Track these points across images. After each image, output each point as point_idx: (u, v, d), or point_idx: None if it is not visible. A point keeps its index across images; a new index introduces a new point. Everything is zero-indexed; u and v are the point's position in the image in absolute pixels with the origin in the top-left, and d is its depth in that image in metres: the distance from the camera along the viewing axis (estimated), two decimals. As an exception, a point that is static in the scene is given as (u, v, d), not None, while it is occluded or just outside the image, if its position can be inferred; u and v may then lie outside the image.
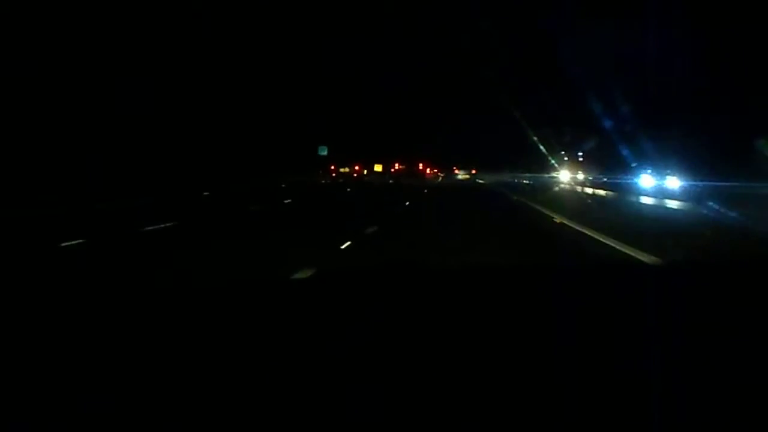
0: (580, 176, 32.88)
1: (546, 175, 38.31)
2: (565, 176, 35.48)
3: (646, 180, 21.43)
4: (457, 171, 65.47)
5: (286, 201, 17.36)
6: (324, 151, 42.42)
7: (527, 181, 37.88)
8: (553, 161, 38.18)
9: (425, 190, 28.46)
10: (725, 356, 1.58)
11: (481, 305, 2.51)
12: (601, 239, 8.44)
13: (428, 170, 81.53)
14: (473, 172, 66.38)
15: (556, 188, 29.36)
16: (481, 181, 49.64)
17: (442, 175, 67.63)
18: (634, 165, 22.96)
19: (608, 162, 30.03)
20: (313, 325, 1.92)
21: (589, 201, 19.30)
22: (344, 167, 42.93)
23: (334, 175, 40.22)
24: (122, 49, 21.25)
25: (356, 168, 44.17)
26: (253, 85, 35.26)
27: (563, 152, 37.47)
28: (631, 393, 1.32)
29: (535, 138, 36.61)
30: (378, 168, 49.44)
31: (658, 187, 19.31)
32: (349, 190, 28.78)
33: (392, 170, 51.12)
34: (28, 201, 12.29)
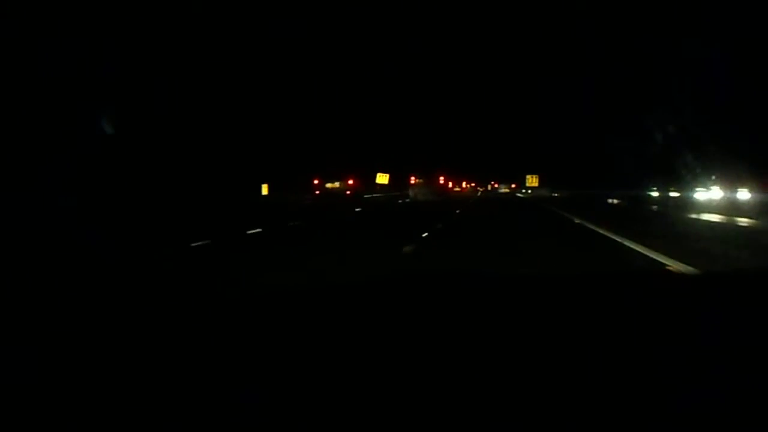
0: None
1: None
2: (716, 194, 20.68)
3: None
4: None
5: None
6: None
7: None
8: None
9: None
10: None
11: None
12: None
13: (451, 184, 72.05)
14: (513, 186, 64.28)
15: None
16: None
17: (480, 189, 63.33)
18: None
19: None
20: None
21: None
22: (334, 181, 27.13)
23: (317, 192, 24.96)
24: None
25: (351, 182, 27.33)
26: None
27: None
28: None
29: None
30: (383, 179, 33.60)
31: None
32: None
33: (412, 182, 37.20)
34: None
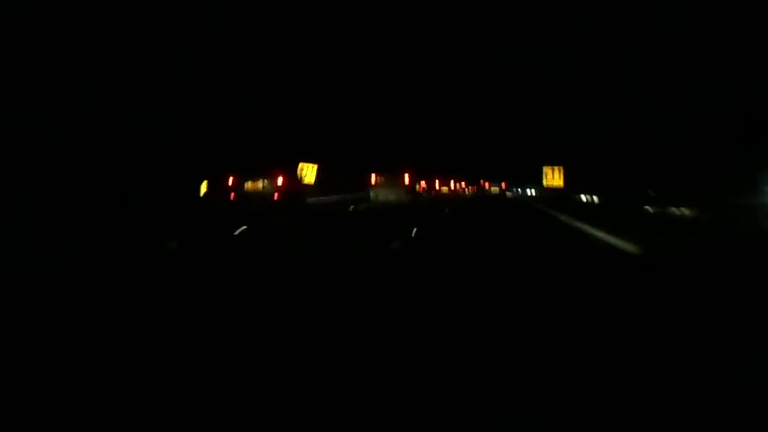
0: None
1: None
2: None
3: None
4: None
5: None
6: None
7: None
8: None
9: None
10: None
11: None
12: None
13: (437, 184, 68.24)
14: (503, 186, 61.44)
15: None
16: None
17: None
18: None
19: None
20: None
21: None
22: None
23: (232, 197, 18.24)
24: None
25: (280, 181, 18.93)
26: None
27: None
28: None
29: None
30: (308, 174, 24.49)
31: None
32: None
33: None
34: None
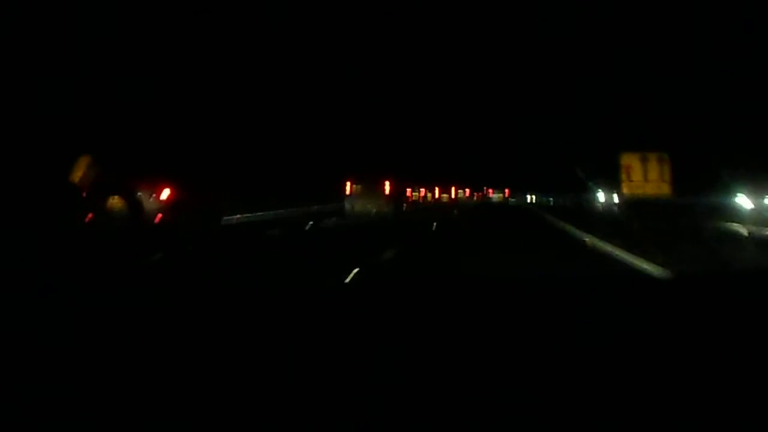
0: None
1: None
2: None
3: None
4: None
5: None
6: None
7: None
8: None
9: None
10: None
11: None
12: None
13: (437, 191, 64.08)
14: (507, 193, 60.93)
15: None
16: None
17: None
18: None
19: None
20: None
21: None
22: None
23: (89, 217, 11.81)
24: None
25: (165, 195, 11.60)
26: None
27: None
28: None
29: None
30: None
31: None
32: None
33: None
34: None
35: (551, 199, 44.72)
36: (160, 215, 12.36)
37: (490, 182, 70.01)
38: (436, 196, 66.85)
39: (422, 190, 60.43)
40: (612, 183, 19.84)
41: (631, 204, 17.40)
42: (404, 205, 35.59)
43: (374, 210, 26.49)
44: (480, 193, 79.54)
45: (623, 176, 18.15)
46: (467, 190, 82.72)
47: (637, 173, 18.04)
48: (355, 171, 27.83)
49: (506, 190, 66.72)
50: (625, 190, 18.35)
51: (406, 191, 50.15)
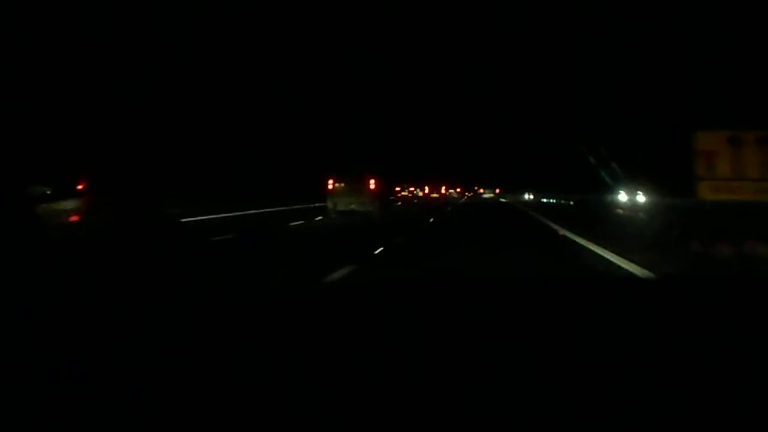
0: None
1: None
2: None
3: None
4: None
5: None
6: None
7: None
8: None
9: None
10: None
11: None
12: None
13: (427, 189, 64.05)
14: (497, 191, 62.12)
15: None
16: None
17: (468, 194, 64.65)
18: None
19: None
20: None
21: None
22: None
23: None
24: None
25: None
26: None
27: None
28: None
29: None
30: None
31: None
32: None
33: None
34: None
35: (553, 200, 38.41)
36: (74, 215, 9.60)
37: (482, 181, 72.49)
38: (427, 193, 64.72)
39: (412, 188, 58.20)
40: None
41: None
42: (392, 203, 32.96)
43: (358, 208, 23.96)
44: (471, 192, 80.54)
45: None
46: (458, 189, 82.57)
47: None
48: (339, 167, 25.16)
49: (497, 189, 66.73)
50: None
51: (394, 189, 47.68)
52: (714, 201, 10.25)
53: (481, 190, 68.64)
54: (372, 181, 24.74)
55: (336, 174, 24.41)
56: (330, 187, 24.38)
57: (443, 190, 70.83)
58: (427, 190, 67.83)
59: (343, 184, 24.38)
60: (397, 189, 52.92)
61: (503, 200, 57.59)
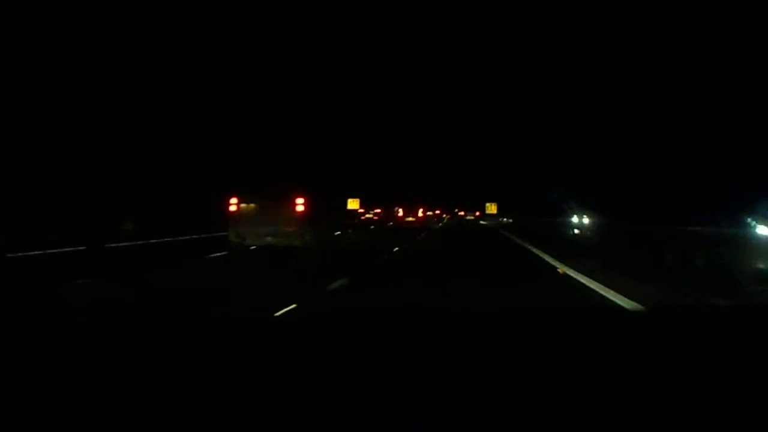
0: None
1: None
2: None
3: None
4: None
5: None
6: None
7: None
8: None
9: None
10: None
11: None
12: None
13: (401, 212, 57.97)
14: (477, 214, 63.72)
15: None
16: None
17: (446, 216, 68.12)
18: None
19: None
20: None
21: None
22: None
23: None
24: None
25: None
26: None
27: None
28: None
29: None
30: None
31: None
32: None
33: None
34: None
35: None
36: None
37: (464, 205, 71.70)
38: (401, 216, 57.15)
39: (378, 210, 50.31)
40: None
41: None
42: (342, 230, 25.56)
43: (277, 241, 16.52)
44: (450, 215, 76.26)
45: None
46: (437, 211, 77.62)
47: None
48: (248, 182, 17.71)
49: (476, 213, 67.70)
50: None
51: (349, 212, 40.33)
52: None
53: (462, 213, 71.26)
54: (299, 201, 17.40)
55: (241, 191, 17.00)
56: (232, 209, 16.95)
57: (420, 213, 63.12)
58: (400, 212, 60.23)
59: (253, 206, 17.00)
60: (361, 211, 45.56)
61: (483, 222, 60.99)
